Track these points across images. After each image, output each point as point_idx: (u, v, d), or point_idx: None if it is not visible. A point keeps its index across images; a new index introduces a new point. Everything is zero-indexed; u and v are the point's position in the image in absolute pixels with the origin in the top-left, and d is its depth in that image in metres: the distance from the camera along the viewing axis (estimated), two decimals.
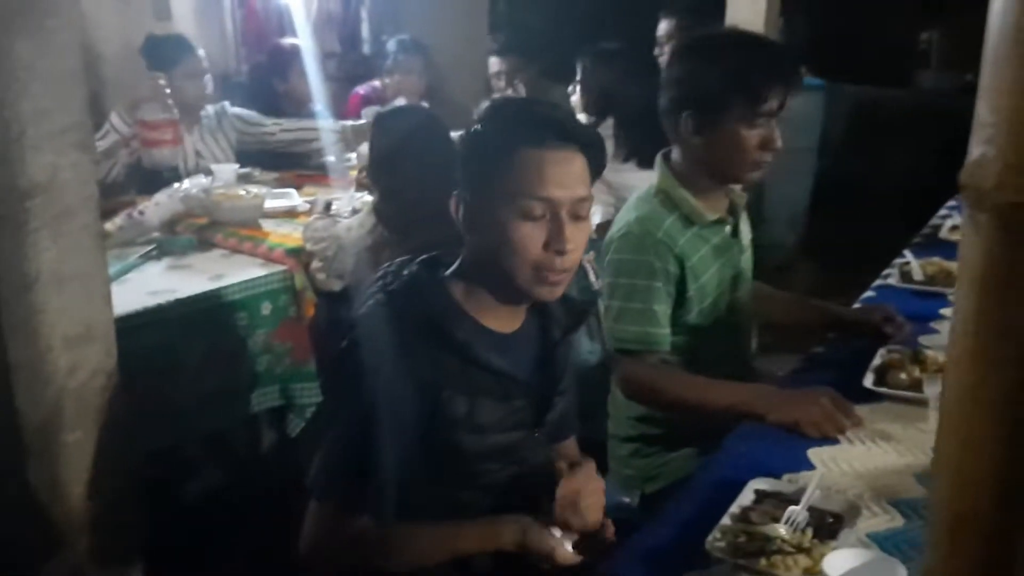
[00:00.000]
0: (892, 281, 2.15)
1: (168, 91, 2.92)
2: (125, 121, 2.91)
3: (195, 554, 2.23)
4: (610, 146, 2.84)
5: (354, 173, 3.11)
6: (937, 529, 0.55)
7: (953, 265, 2.16)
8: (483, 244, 1.20)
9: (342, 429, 1.21)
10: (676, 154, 1.72)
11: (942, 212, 2.78)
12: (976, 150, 0.48)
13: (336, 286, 2.43)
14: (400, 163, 2.20)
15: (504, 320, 1.25)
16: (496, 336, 1.24)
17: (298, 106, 3.59)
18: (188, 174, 2.96)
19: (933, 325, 1.88)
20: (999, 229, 0.46)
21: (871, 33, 5.01)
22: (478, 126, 1.22)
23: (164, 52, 3.06)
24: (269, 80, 3.70)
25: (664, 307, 1.64)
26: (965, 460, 0.52)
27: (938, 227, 2.59)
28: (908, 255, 2.23)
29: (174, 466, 2.44)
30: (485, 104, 1.28)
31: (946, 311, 1.95)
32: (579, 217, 1.18)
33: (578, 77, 3.03)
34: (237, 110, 3.34)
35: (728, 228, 1.77)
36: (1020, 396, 0.47)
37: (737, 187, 1.82)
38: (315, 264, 2.42)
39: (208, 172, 2.99)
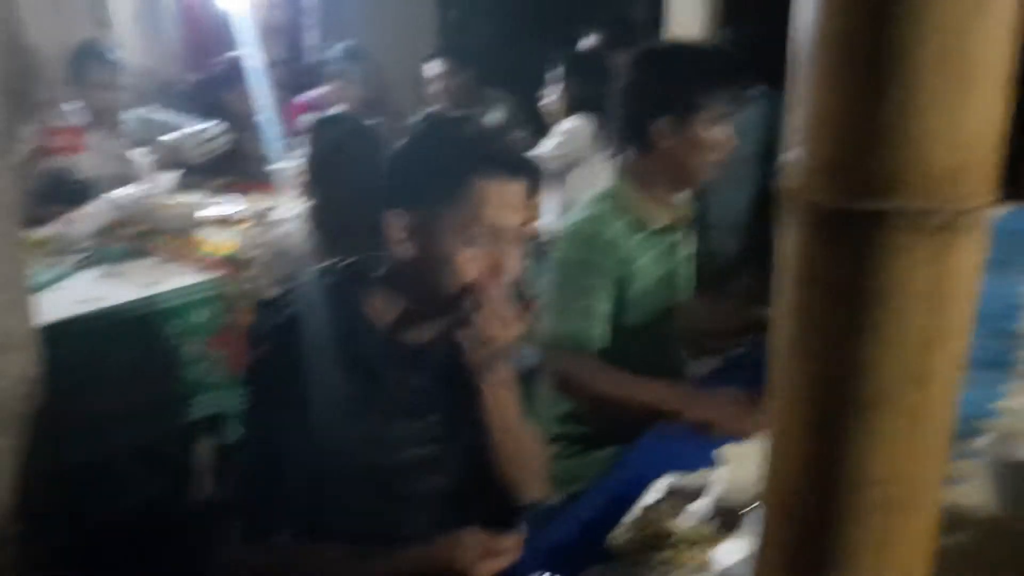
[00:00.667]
0: None
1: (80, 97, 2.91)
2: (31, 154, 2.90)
3: (129, 570, 2.20)
4: (585, 130, 2.89)
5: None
6: (768, 510, 0.59)
7: None
8: (420, 263, 1.19)
9: (253, 447, 1.21)
10: (631, 160, 1.75)
11: None
12: (790, 153, 0.51)
13: (272, 292, 2.42)
14: (333, 170, 2.21)
15: (421, 331, 1.25)
16: (410, 350, 1.24)
17: (241, 116, 3.59)
18: (111, 182, 2.93)
19: None
20: (806, 227, 0.50)
21: None
22: (426, 145, 1.21)
23: (77, 59, 3.06)
24: (214, 89, 3.71)
25: (604, 306, 1.68)
26: (781, 451, 0.55)
27: None
28: None
29: (106, 478, 2.41)
30: (426, 117, 1.26)
31: None
32: (518, 240, 1.20)
33: (561, 79, 3.02)
34: (160, 114, 3.31)
35: (675, 236, 1.81)
36: (821, 388, 0.50)
37: (684, 198, 1.87)
38: (251, 271, 2.42)
39: (131, 180, 2.95)
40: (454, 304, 1.18)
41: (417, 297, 1.21)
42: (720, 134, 1.68)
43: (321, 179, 2.23)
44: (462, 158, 1.16)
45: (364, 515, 1.23)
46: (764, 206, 4.26)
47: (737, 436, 1.45)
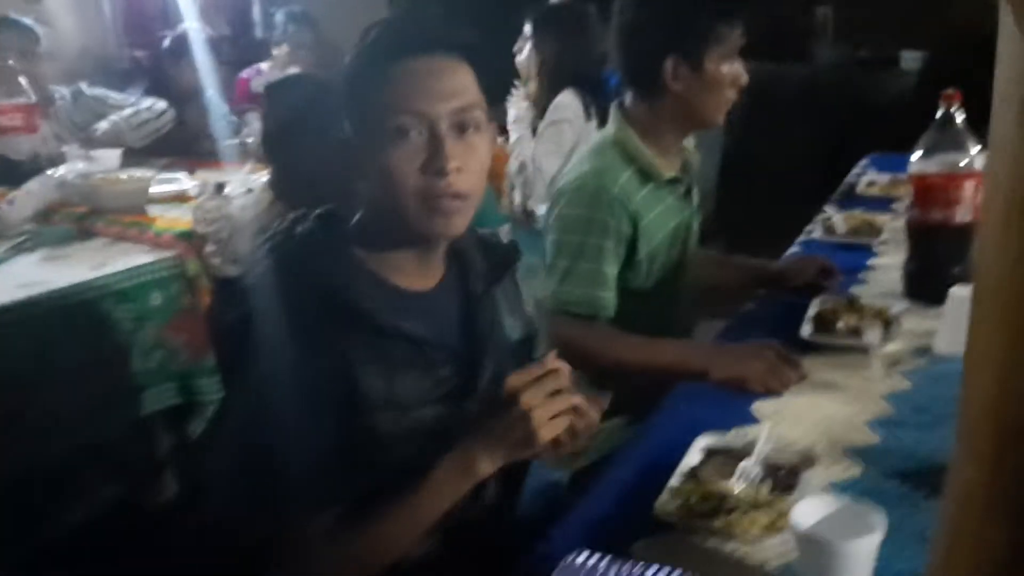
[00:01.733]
0: (816, 235, 2.10)
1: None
2: None
3: None
4: (576, 106, 2.73)
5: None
6: (974, 444, 0.44)
7: (876, 217, 2.13)
8: (371, 185, 1.05)
9: (242, 425, 1.04)
10: (636, 106, 1.61)
11: (855, 170, 2.76)
12: None
13: (232, 270, 2.24)
14: (295, 135, 2.04)
15: (417, 276, 1.09)
16: (409, 296, 1.08)
17: (188, 93, 3.41)
18: (49, 161, 2.72)
19: (860, 276, 1.83)
20: None
21: (768, 9, 5.04)
22: (354, 70, 1.06)
23: None
24: (159, 65, 3.53)
25: (613, 269, 1.55)
26: (1017, 352, 0.40)
27: (854, 184, 2.57)
28: (829, 209, 2.19)
29: (58, 481, 2.20)
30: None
31: (873, 262, 1.91)
32: (464, 130, 1.02)
33: (527, 37, 2.86)
34: (97, 90, 3.11)
35: (682, 188, 1.68)
36: None
37: (691, 145, 1.75)
38: (208, 248, 2.23)
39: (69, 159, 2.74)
40: (434, 238, 1.05)
41: (393, 231, 1.05)
42: (735, 68, 1.56)
43: (283, 145, 2.05)
44: (381, 46, 1.03)
45: (357, 494, 1.04)
46: (727, 176, 4.21)
47: (771, 392, 1.32)
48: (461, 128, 1.02)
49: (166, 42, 3.56)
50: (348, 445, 1.00)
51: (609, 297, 1.54)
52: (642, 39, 1.57)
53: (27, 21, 2.93)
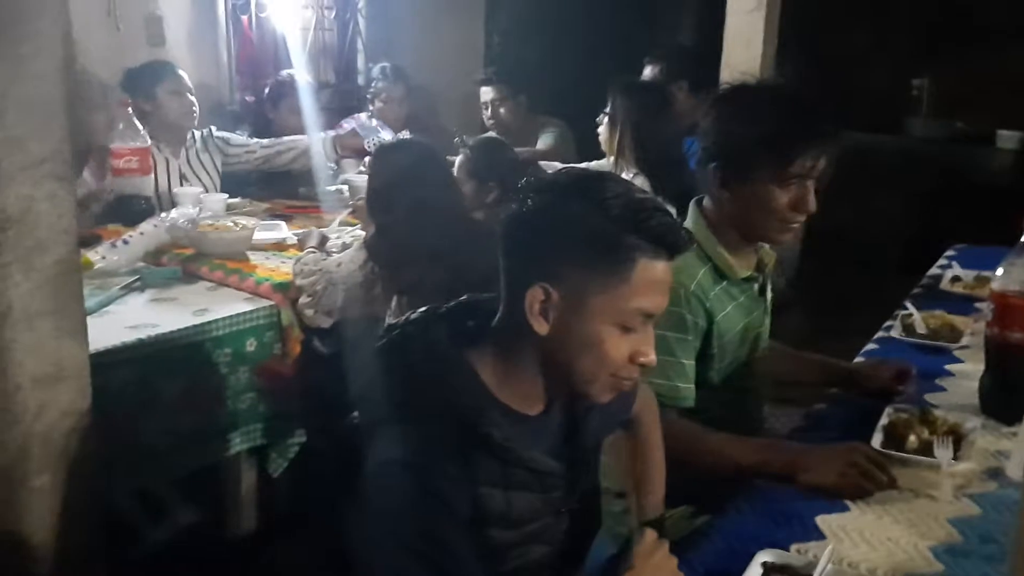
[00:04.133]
0: (895, 333, 2.08)
1: (145, 117, 2.94)
2: (95, 175, 2.88)
3: None
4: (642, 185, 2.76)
5: (346, 205, 3.07)
6: None
7: (957, 319, 2.11)
8: (554, 340, 1.06)
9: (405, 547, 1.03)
10: (708, 203, 1.66)
11: (941, 262, 2.73)
12: None
13: (324, 323, 2.36)
14: (397, 197, 2.14)
15: (532, 401, 1.14)
16: (528, 421, 1.12)
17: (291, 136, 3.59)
18: (172, 199, 2.92)
19: (938, 382, 1.82)
20: None
21: (863, 79, 5.01)
22: (574, 211, 1.04)
23: (143, 77, 3.08)
24: (262, 110, 3.74)
25: (692, 362, 1.58)
26: None
27: (938, 278, 2.54)
28: (910, 307, 2.17)
29: (147, 508, 2.34)
30: (562, 176, 1.12)
31: (952, 367, 1.89)
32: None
33: (607, 109, 2.90)
34: (223, 133, 3.36)
35: (756, 286, 1.71)
36: None
37: (766, 244, 1.75)
38: (303, 299, 2.35)
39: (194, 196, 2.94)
40: (583, 388, 1.09)
41: (540, 371, 1.10)
42: (788, 197, 1.54)
43: (385, 205, 2.16)
44: (623, 231, 1.03)
45: None
46: (812, 245, 4.18)
47: (858, 496, 1.35)
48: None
49: (260, 86, 3.77)
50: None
51: (689, 388, 1.57)
52: (702, 141, 1.61)
53: (180, 70, 3.17)
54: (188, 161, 3.19)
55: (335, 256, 2.41)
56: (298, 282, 2.35)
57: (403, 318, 1.16)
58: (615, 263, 1.03)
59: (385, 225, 2.19)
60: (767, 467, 1.43)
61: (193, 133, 3.21)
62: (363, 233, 2.71)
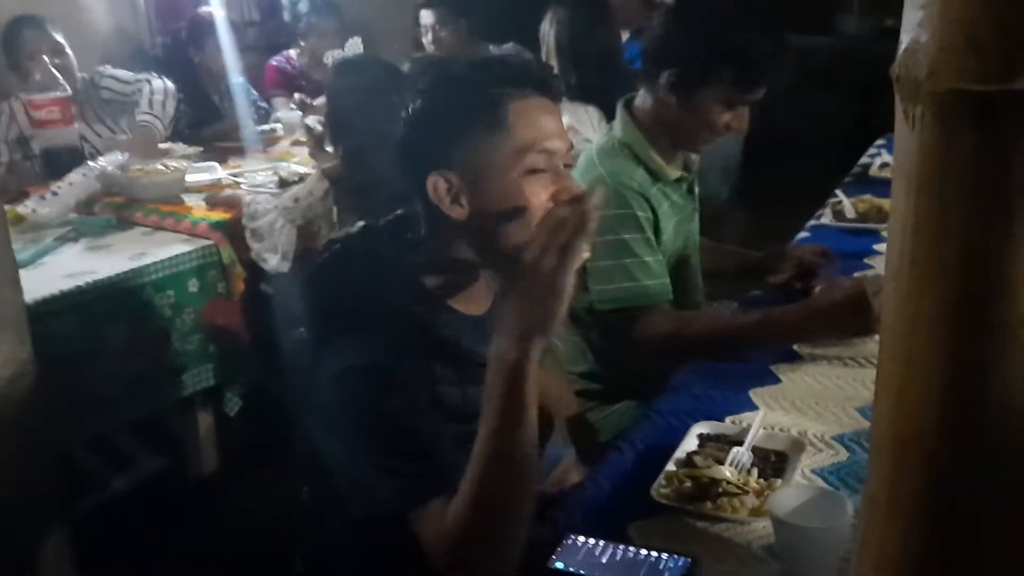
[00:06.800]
0: (825, 220, 2.15)
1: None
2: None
3: (132, 549, 2.15)
4: (593, 123, 2.70)
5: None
6: (880, 455, 0.52)
7: (885, 202, 2.17)
8: (477, 220, 1.07)
9: (379, 438, 1.06)
10: (642, 105, 1.67)
11: (871, 151, 2.79)
12: (907, 37, 0.44)
13: (283, 267, 2.27)
14: (364, 118, 1.94)
15: (476, 301, 1.15)
16: (473, 319, 1.14)
17: (215, 79, 3.49)
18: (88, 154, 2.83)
19: (867, 261, 1.89)
20: (934, 121, 0.43)
21: None
22: (445, 90, 1.07)
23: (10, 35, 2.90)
24: (185, 52, 3.58)
25: (656, 257, 1.60)
26: (908, 379, 0.48)
27: (868, 166, 2.60)
28: (840, 194, 2.24)
29: (104, 457, 2.35)
30: (427, 66, 1.15)
31: (879, 247, 1.96)
32: (570, 167, 1.12)
33: (550, 30, 2.86)
34: (111, 71, 3.05)
35: (685, 186, 1.74)
36: (962, 306, 0.44)
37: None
38: (258, 245, 2.27)
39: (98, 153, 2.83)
40: (514, 263, 1.04)
41: (479, 260, 1.11)
42: (730, 116, 1.58)
43: (347, 130, 2.03)
44: (481, 87, 1.05)
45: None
46: (751, 149, 4.23)
47: (861, 333, 1.40)
48: (568, 166, 1.10)
49: (180, 27, 3.57)
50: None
51: (663, 283, 1.59)
52: (655, 44, 1.63)
53: (46, 24, 2.93)
54: (89, 107, 3.00)
55: (292, 190, 2.31)
56: (251, 226, 2.28)
57: (342, 232, 1.17)
58: (489, 120, 1.04)
59: (351, 150, 2.05)
60: (820, 316, 1.45)
61: (78, 79, 2.95)
62: (299, 169, 2.67)
